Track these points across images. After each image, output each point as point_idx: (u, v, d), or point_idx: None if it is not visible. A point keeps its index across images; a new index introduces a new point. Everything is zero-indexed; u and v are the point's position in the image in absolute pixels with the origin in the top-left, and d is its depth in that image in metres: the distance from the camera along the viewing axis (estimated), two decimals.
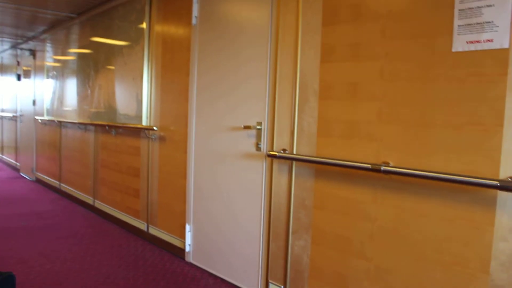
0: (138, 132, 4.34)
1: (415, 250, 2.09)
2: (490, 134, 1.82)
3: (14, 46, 8.35)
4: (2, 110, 9.58)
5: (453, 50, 1.93)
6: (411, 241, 2.10)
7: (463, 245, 1.91)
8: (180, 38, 3.70)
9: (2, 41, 7.91)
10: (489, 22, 1.83)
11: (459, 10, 1.91)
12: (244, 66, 3.06)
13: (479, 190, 1.86)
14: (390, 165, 2.15)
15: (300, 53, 2.61)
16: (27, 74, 7.74)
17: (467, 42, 1.89)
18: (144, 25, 4.12)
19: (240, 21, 3.08)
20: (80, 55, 5.53)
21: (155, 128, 3.97)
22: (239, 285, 3.15)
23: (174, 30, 3.78)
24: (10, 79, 8.83)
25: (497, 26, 1.80)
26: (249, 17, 3.01)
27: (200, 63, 3.46)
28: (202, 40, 3.44)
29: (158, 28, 4.00)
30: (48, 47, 6.65)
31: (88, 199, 5.44)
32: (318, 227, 2.55)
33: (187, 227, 3.61)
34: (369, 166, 2.16)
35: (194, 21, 3.49)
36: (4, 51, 9.10)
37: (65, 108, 6.04)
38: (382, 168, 2.10)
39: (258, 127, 2.93)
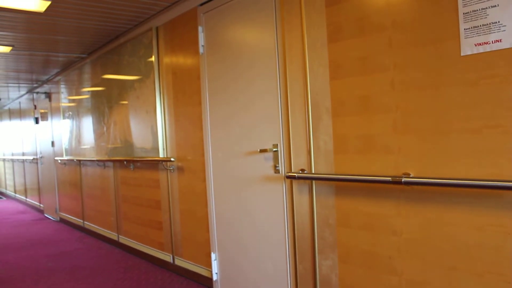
0: (156, 164, 4.37)
1: (446, 261, 2.03)
2: (509, 135, 1.78)
3: (30, 91, 8.58)
4: (23, 154, 9.78)
5: (462, 54, 1.91)
6: (441, 251, 2.05)
7: (495, 251, 1.86)
8: (189, 68, 3.75)
9: (19, 86, 8.13)
10: (495, 23, 1.81)
11: (464, 13, 1.89)
12: (254, 91, 3.07)
13: (505, 193, 1.81)
14: (410, 176, 2.12)
15: (309, 72, 2.61)
16: (44, 117, 7.92)
17: (475, 45, 1.87)
18: (153, 59, 4.19)
19: (247, 46, 3.11)
20: (93, 93, 5.65)
21: (172, 159, 4.00)
22: None
23: (183, 60, 3.83)
24: (29, 123, 9.05)
25: (504, 26, 1.78)
26: (255, 42, 3.04)
27: (211, 91, 3.49)
28: (210, 68, 3.48)
29: (167, 60, 4.07)
30: (62, 88, 6.81)
31: (113, 235, 5.47)
32: (344, 245, 2.51)
33: (213, 256, 3.59)
34: (389, 179, 2.13)
35: (201, 50, 3.54)
36: (21, 96, 9.35)
37: (83, 147, 6.14)
38: (403, 179, 2.06)
39: (274, 149, 2.92)
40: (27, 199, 9.78)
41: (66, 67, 6.56)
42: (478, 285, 1.92)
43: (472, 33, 1.87)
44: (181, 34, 3.83)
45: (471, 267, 1.94)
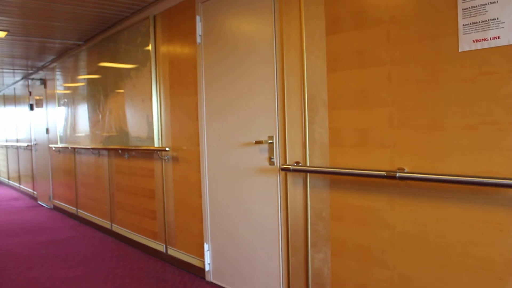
0: (150, 153, 4.36)
1: (438, 256, 2.04)
2: (505, 132, 1.78)
3: (25, 77, 8.51)
4: (18, 140, 9.73)
5: (460, 50, 1.91)
6: (433, 246, 2.06)
7: (488, 247, 1.87)
8: (186, 57, 3.73)
9: (14, 72, 8.07)
10: (494, 19, 1.80)
11: (463, 9, 1.89)
12: (251, 82, 3.06)
13: (499, 190, 1.82)
14: (405, 171, 2.12)
15: (306, 64, 2.60)
16: (39, 103, 7.87)
17: (473, 41, 1.87)
18: (150, 47, 4.16)
19: (245, 37, 3.09)
20: (89, 81, 5.61)
21: (167, 148, 3.98)
22: None
23: (180, 50, 3.81)
24: (24, 109, 8.99)
25: (503, 23, 1.78)
26: (252, 33, 3.02)
27: (208, 81, 3.47)
28: (208, 58, 3.46)
29: (164, 49, 4.04)
30: (58, 75, 6.76)
31: (106, 224, 5.46)
32: (337, 238, 2.51)
33: (206, 246, 3.60)
34: (384, 173, 2.13)
35: (198, 39, 3.52)
36: (16, 82, 9.27)
37: (78, 135, 6.11)
38: (397, 174, 2.07)
39: (269, 141, 2.92)
40: (21, 186, 9.74)
41: (62, 54, 6.50)
42: (470, 280, 1.93)
43: (470, 29, 1.87)
44: (179, 23, 3.80)
45: (463, 262, 1.95)
